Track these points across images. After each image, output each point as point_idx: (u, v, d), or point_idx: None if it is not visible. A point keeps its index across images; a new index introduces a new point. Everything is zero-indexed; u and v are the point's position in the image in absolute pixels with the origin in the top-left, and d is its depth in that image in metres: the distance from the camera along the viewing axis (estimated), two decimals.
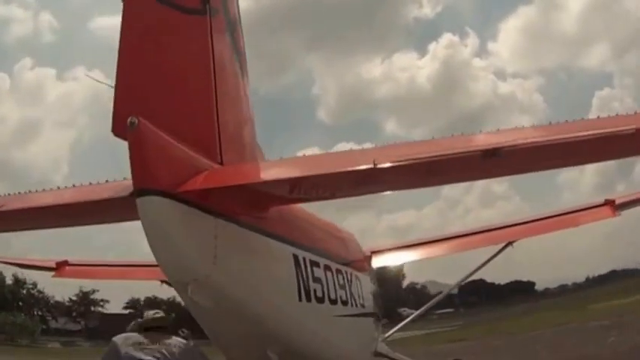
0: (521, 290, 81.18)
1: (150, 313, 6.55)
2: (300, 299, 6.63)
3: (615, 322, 25.66)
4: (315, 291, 6.91)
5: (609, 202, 11.65)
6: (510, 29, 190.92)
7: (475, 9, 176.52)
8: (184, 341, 6.34)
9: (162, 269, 5.61)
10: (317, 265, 7.14)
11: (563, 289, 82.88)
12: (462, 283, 14.92)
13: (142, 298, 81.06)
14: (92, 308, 77.57)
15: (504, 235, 12.57)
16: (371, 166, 4.76)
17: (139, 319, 6.56)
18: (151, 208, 4.98)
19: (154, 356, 5.91)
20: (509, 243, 12.14)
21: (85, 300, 76.71)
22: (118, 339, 6.13)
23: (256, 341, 6.28)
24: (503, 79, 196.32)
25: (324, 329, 7.29)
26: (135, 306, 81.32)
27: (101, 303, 77.37)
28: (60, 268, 12.57)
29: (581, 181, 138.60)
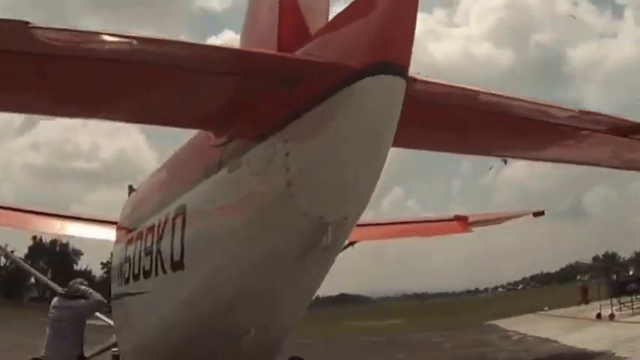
0: None
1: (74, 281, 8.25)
2: None
3: (387, 339, 26.77)
4: None
5: (460, 218, 12.28)
6: None
7: None
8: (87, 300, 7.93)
9: (317, 196, 4.42)
10: None
11: None
12: None
13: None
14: None
15: None
16: None
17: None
18: (390, 92, 4.02)
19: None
20: (351, 243, 11.66)
21: None
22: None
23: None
24: None
25: None
26: None
27: None
28: None
29: None
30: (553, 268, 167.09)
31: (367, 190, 4.49)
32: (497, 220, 13.56)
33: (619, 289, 24.50)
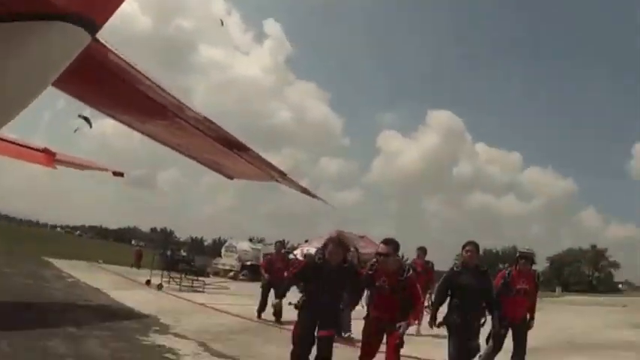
0: None
1: None
2: None
3: None
4: None
5: (48, 152, 11.94)
6: None
7: None
8: None
9: None
10: None
11: None
12: None
13: None
14: None
15: None
16: None
17: None
18: (71, 41, 3.81)
19: None
20: None
21: None
22: None
23: None
24: None
25: None
26: None
27: None
28: None
29: None
30: (112, 225, 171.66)
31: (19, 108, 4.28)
32: (81, 166, 14.02)
33: (171, 265, 27.32)
